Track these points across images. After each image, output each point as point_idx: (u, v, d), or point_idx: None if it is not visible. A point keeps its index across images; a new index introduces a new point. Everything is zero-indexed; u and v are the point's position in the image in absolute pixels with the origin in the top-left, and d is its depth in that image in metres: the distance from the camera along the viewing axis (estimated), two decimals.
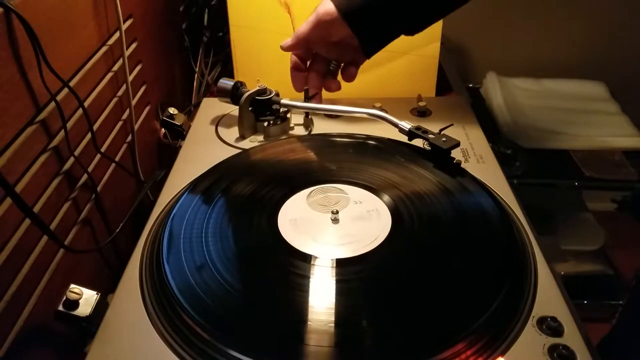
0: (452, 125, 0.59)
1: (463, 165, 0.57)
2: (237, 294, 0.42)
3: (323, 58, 0.64)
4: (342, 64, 0.65)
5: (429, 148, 0.57)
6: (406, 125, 0.58)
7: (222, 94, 0.67)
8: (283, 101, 0.64)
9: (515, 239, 0.47)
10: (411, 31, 0.60)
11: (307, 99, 0.64)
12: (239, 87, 0.66)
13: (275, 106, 0.64)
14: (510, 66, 1.12)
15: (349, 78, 0.65)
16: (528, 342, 0.38)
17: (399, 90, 0.74)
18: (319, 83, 0.65)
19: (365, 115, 0.61)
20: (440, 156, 0.56)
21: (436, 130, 0.58)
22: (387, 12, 0.57)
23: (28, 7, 0.41)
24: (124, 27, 0.59)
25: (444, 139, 0.56)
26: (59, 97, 0.46)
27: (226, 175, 0.55)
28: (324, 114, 0.69)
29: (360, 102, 0.69)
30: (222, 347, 0.37)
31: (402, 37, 0.61)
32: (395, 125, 0.59)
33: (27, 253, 0.42)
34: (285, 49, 0.64)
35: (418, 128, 0.58)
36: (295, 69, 0.65)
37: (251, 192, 0.52)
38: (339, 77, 0.66)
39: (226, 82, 0.67)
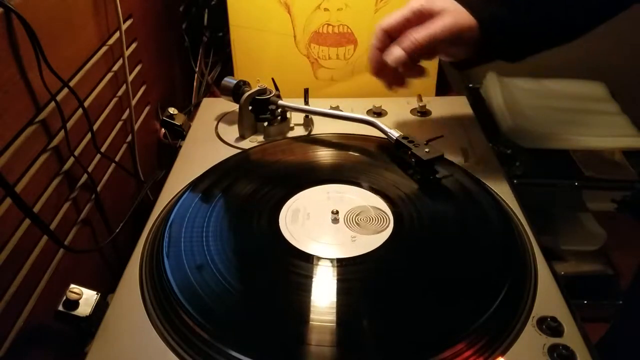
0: (441, 136, 0.57)
1: (463, 165, 0.57)
2: (238, 294, 0.42)
3: None
4: None
5: (413, 160, 0.55)
6: (394, 133, 0.57)
7: (225, 92, 0.67)
8: (280, 102, 0.64)
9: (515, 239, 0.47)
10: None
11: (306, 101, 0.64)
12: (241, 85, 0.66)
13: (271, 106, 0.64)
14: (510, 66, 1.11)
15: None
16: (528, 342, 0.38)
17: (399, 90, 0.74)
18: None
19: (357, 122, 0.61)
20: (422, 167, 0.53)
21: (431, 136, 0.56)
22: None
23: (28, 7, 0.41)
24: (124, 27, 0.59)
25: (427, 149, 0.54)
26: (59, 97, 0.46)
27: (226, 175, 0.55)
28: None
29: (360, 101, 0.70)
30: (222, 347, 0.37)
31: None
32: (385, 133, 0.59)
33: (27, 253, 0.42)
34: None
35: (405, 137, 0.56)
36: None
37: (251, 192, 0.52)
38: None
39: (229, 81, 0.67)
